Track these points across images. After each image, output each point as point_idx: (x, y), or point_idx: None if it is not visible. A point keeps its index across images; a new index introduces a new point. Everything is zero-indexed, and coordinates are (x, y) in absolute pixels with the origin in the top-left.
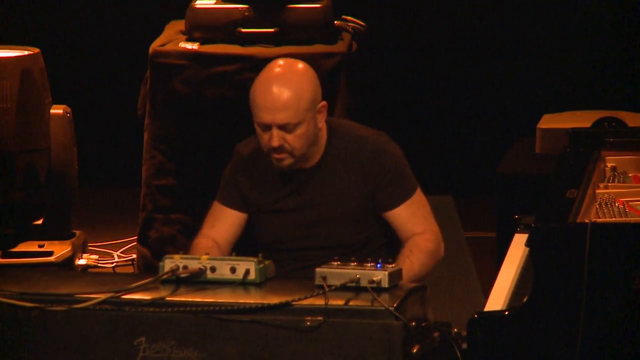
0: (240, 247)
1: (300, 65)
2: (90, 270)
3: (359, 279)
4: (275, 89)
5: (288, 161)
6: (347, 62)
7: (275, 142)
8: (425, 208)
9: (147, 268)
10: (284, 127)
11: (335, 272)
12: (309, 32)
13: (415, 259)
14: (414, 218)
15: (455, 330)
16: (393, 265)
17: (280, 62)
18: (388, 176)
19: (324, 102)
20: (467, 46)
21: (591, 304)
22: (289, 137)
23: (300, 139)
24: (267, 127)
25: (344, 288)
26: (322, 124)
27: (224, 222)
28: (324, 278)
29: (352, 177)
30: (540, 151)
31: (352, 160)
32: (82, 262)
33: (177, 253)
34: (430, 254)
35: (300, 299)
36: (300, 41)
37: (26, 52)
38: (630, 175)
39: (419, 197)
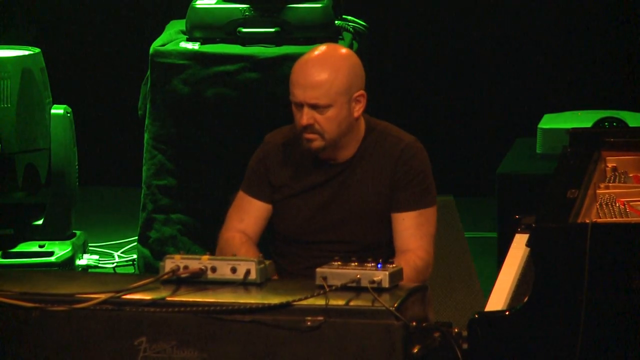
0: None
1: (344, 50)
2: (90, 270)
3: (359, 279)
4: (311, 68)
5: (318, 143)
6: None
7: (305, 120)
8: (431, 228)
9: (147, 268)
10: (314, 107)
11: (335, 272)
12: (309, 32)
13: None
14: (414, 230)
15: (456, 330)
16: (394, 265)
17: (324, 45)
18: (410, 178)
19: (362, 92)
20: (468, 46)
21: (592, 304)
22: (320, 118)
23: (331, 122)
24: (300, 105)
25: (344, 288)
26: (358, 114)
27: (252, 215)
28: (325, 278)
29: (382, 175)
30: (541, 151)
31: (384, 159)
32: (82, 262)
33: (178, 253)
34: (417, 272)
35: (300, 299)
36: (301, 41)
37: (27, 52)
38: (630, 175)
39: (429, 214)
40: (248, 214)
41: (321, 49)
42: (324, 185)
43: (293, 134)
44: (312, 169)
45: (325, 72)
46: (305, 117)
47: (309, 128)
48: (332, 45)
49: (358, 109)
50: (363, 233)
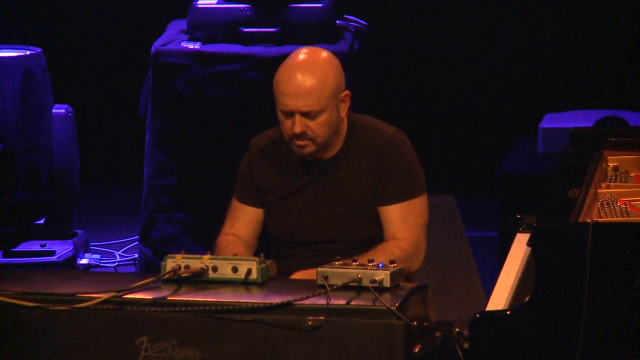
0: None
1: (324, 53)
2: (92, 269)
3: (360, 279)
4: (300, 76)
5: (310, 149)
6: (348, 61)
7: (298, 129)
8: (419, 219)
9: (148, 268)
10: (306, 114)
11: (337, 272)
12: (310, 32)
13: (377, 257)
14: (401, 222)
15: (457, 329)
16: (395, 265)
17: (305, 50)
18: (394, 170)
19: (347, 92)
20: (469, 46)
21: (593, 303)
22: (312, 124)
23: (322, 126)
24: (290, 114)
25: (345, 287)
26: (344, 114)
27: (243, 220)
28: (326, 278)
29: (366, 169)
30: (542, 151)
31: (367, 153)
32: (83, 261)
33: (179, 252)
34: (398, 261)
35: (302, 299)
36: (302, 40)
37: (28, 52)
38: (632, 174)
39: (417, 205)
40: (237, 220)
41: (302, 54)
42: (311, 184)
43: (278, 136)
44: (298, 169)
45: (314, 78)
46: (298, 125)
47: (301, 135)
48: (311, 49)
49: (344, 109)
50: (354, 230)
